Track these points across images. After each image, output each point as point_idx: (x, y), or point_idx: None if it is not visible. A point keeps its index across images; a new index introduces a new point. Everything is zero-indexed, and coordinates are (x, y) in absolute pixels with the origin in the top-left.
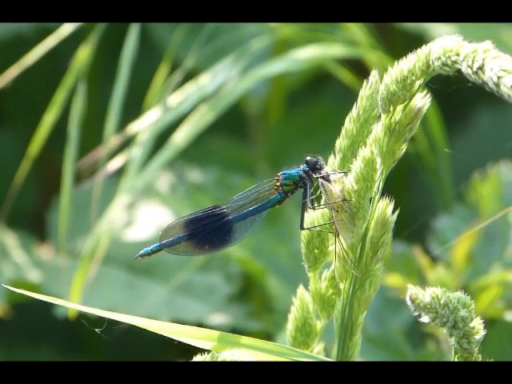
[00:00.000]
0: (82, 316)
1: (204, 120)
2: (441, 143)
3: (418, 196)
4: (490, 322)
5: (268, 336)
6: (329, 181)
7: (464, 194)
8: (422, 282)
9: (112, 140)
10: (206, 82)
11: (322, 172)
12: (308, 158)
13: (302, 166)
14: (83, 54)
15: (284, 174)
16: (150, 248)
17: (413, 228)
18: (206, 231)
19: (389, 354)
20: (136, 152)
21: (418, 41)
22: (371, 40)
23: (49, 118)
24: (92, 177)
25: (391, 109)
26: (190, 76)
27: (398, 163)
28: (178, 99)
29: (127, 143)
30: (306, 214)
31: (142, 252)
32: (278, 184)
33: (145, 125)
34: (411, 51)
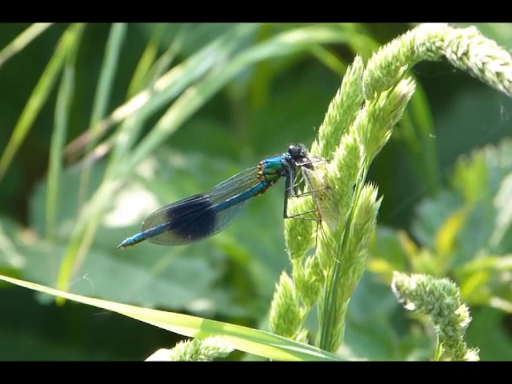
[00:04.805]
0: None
1: (191, 105)
2: (426, 129)
3: (403, 182)
4: (475, 309)
5: (252, 322)
6: (312, 168)
7: (449, 180)
8: (407, 267)
9: (99, 125)
10: (192, 67)
11: (305, 160)
12: (291, 146)
13: (284, 154)
14: (69, 40)
15: (266, 162)
16: (133, 237)
17: (396, 211)
18: (189, 220)
19: (373, 340)
20: (123, 137)
21: (404, 25)
22: (356, 25)
23: (34, 103)
24: (78, 162)
25: (375, 95)
26: (177, 61)
27: (382, 149)
28: (164, 84)
29: (114, 129)
30: (289, 202)
31: (124, 242)
32: (261, 173)
33: (131, 110)
34: (397, 35)
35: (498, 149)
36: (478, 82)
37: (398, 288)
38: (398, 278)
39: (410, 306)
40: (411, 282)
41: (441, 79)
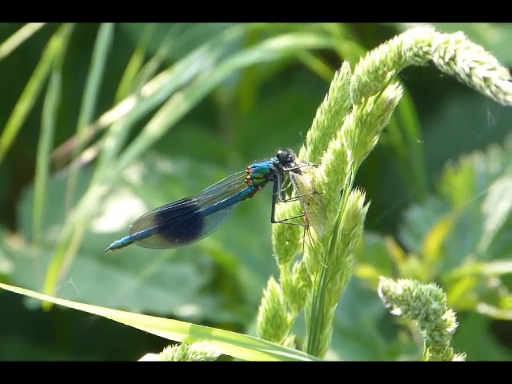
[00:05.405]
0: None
1: (178, 110)
2: (413, 134)
3: (390, 187)
4: (462, 314)
5: (239, 327)
6: (299, 173)
7: (436, 186)
8: (395, 273)
9: (86, 130)
10: (179, 72)
11: (292, 165)
12: (279, 151)
13: (272, 159)
14: (56, 45)
15: (254, 166)
16: (121, 241)
17: (383, 216)
18: (177, 224)
19: (360, 345)
20: (110, 142)
21: (391, 31)
22: (344, 30)
23: (21, 109)
24: (65, 167)
25: (363, 100)
26: (164, 66)
27: (370, 154)
28: (151, 90)
29: (101, 134)
30: (276, 207)
31: (112, 245)
32: (249, 177)
33: (118, 115)
34: (384, 41)
35: (485, 154)
36: (466, 88)
37: (385, 293)
38: (385, 283)
39: (397, 311)
40: (397, 287)
41: (428, 85)
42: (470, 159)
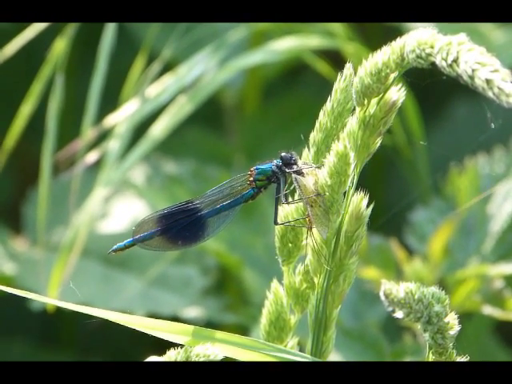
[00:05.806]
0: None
1: (182, 112)
2: (418, 136)
3: (395, 189)
4: (466, 316)
5: (244, 329)
6: (302, 175)
7: (441, 187)
8: (399, 274)
9: (89, 132)
10: (183, 73)
11: (295, 167)
12: (282, 153)
13: (275, 161)
14: (60, 46)
15: (257, 168)
16: (123, 243)
17: (387, 217)
18: (179, 226)
19: (365, 347)
20: (114, 144)
21: (396, 32)
22: (348, 31)
23: (25, 110)
24: (69, 169)
25: (366, 102)
26: (168, 68)
27: (374, 156)
28: (155, 91)
29: (105, 135)
30: (280, 209)
31: (115, 247)
32: (251, 179)
33: (122, 117)
34: (389, 42)
35: (490, 156)
36: (470, 89)
37: (387, 296)
38: (387, 286)
39: (399, 315)
40: (399, 290)
41: (433, 86)
42: (475, 160)
